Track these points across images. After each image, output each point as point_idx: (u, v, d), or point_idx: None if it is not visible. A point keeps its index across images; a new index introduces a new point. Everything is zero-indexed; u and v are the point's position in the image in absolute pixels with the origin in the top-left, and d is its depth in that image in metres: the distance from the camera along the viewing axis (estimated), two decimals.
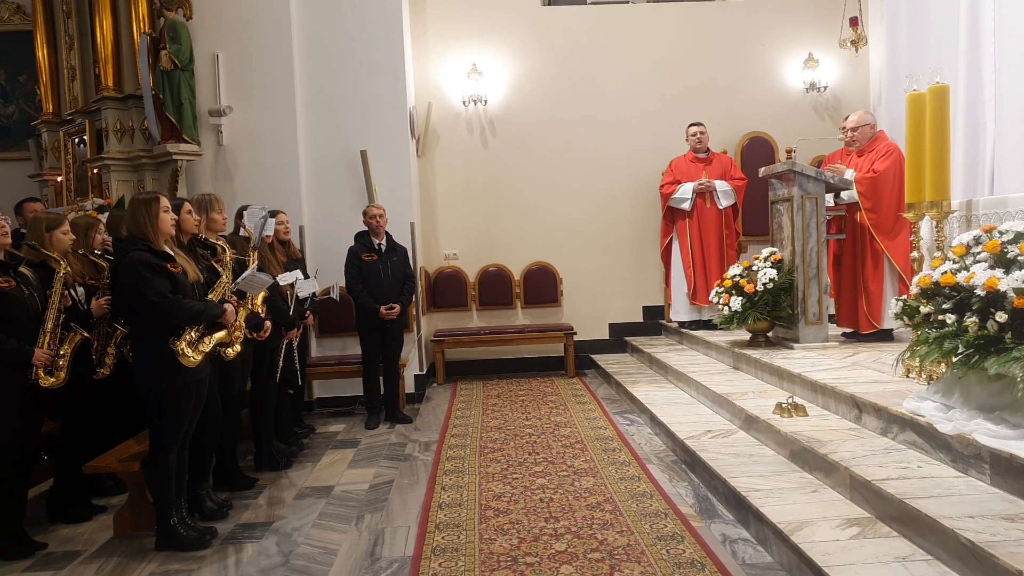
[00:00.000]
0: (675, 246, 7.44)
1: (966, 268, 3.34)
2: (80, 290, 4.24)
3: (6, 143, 8.92)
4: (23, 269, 3.82)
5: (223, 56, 6.81)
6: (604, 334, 8.37)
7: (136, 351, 3.69)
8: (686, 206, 7.24)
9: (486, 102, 8.07)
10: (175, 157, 6.57)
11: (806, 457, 3.80)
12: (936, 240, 4.46)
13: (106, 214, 5.76)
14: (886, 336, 5.75)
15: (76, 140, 7.63)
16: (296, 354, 5.50)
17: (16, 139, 8.86)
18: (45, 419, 4.11)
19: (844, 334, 6.00)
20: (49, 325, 3.75)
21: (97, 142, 7.14)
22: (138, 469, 3.81)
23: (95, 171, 7.13)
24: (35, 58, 8.04)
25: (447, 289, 8.10)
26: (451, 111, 8.13)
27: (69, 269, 4.08)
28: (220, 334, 3.78)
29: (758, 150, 8.06)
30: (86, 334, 3.95)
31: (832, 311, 6.03)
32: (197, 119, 6.72)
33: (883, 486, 3.13)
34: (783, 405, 4.35)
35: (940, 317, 3.36)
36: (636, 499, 4.03)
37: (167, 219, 3.72)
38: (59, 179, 7.88)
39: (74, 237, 4.28)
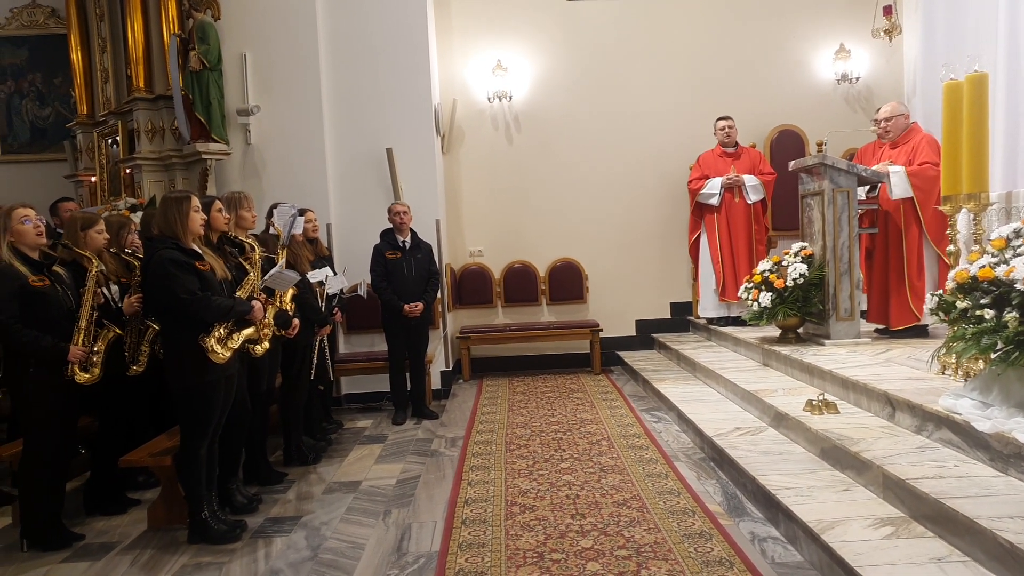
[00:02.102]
0: (703, 241, 7.36)
1: (1005, 262, 3.25)
2: (113, 288, 4.31)
3: (43, 144, 9.10)
4: (57, 268, 3.89)
5: (251, 56, 6.88)
6: (631, 331, 8.32)
7: (166, 348, 3.74)
8: (714, 201, 7.16)
9: (511, 98, 8.06)
10: (204, 156, 6.65)
11: (837, 455, 3.73)
12: (974, 233, 4.35)
13: (138, 213, 5.86)
14: (921, 332, 5.63)
15: (109, 141, 7.77)
16: (327, 350, 5.55)
17: (52, 141, 9.03)
18: (81, 415, 4.19)
19: (877, 330, 5.89)
20: (83, 323, 3.80)
21: (129, 142, 7.26)
22: (170, 463, 3.87)
23: (127, 171, 7.25)
24: (70, 61, 8.18)
25: (472, 286, 8.11)
26: (476, 107, 8.13)
27: (103, 267, 4.16)
28: (248, 331, 3.81)
29: (788, 143, 7.94)
30: (119, 331, 4.01)
31: (864, 307, 5.92)
32: (225, 118, 6.79)
33: (918, 485, 3.07)
34: (814, 402, 4.29)
35: (978, 312, 3.28)
36: (663, 496, 3.99)
37: (197, 218, 3.76)
38: (93, 179, 8.02)
39: (108, 236, 4.36)
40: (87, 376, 3.76)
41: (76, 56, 8.08)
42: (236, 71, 6.87)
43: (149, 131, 7.00)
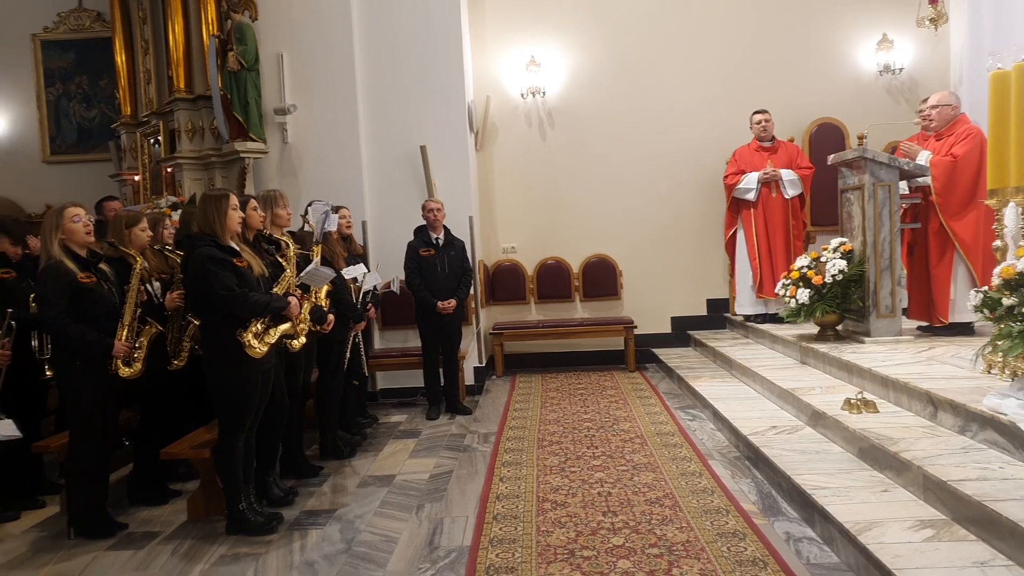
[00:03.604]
0: (740, 237, 7.25)
1: None
2: (156, 284, 4.42)
3: (89, 145, 9.35)
4: (102, 265, 4.00)
5: (287, 56, 6.98)
6: (666, 328, 8.25)
7: (205, 343, 3.82)
8: (751, 196, 7.05)
9: (544, 94, 8.05)
10: (243, 155, 6.77)
11: (876, 455, 3.66)
12: (1022, 228, 4.23)
13: (179, 211, 5.99)
14: (965, 330, 5.48)
15: (151, 141, 7.95)
16: (361, 345, 5.61)
17: (98, 141, 9.28)
18: (124, 408, 4.31)
19: (919, 328, 5.75)
20: (127, 319, 3.90)
21: (170, 142, 7.42)
22: (209, 456, 3.95)
23: (169, 170, 7.41)
24: (114, 63, 8.39)
25: (505, 282, 8.12)
26: (509, 104, 8.13)
27: (146, 264, 4.26)
28: (285, 326, 3.87)
29: (827, 137, 7.79)
30: (160, 328, 4.10)
31: (906, 304, 5.80)
32: (263, 118, 6.90)
33: (960, 487, 2.99)
34: (852, 401, 4.21)
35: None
36: (697, 495, 3.96)
37: (235, 216, 3.83)
38: (136, 178, 8.22)
39: (151, 234, 4.47)
40: (130, 371, 3.86)
41: (120, 58, 8.29)
42: (273, 71, 6.97)
43: (189, 131, 7.15)
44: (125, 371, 3.84)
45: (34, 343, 4.21)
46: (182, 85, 7.16)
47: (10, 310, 3.99)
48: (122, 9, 8.28)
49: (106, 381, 3.80)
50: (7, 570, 3.52)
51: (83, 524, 3.84)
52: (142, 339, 3.95)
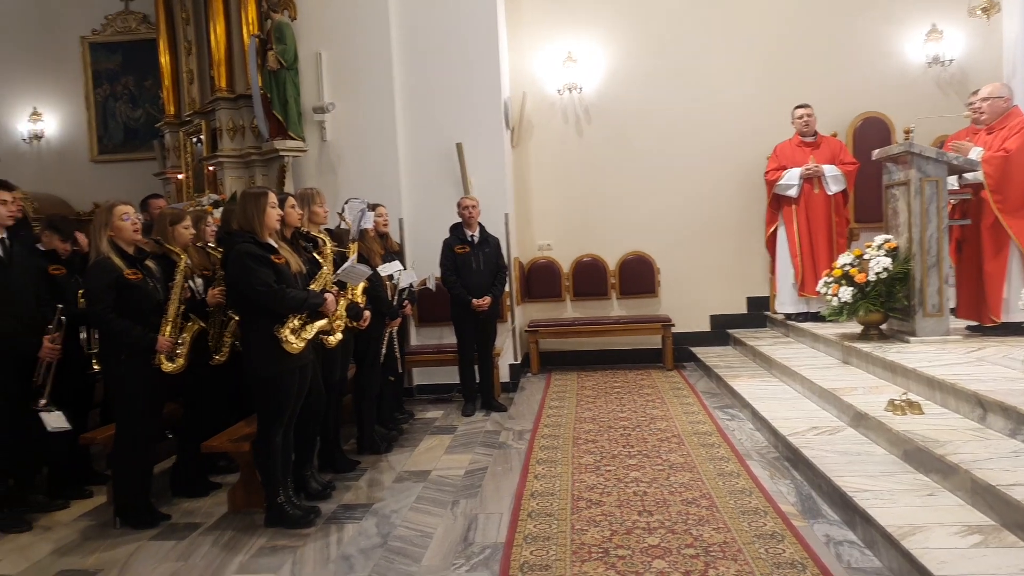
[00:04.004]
0: (781, 234, 7.11)
1: None
2: (199, 281, 4.51)
3: (134, 144, 9.59)
4: (148, 262, 4.09)
5: (326, 54, 7.05)
6: (705, 326, 8.14)
7: (244, 338, 3.88)
8: (792, 192, 6.91)
9: (581, 90, 8.00)
10: (282, 153, 6.86)
11: (921, 458, 3.56)
12: None
13: (220, 209, 6.09)
14: (1018, 330, 5.30)
15: (194, 139, 8.11)
16: (396, 342, 5.64)
17: (143, 140, 9.50)
18: (168, 402, 4.40)
19: (969, 327, 5.58)
20: (171, 315, 3.98)
21: (212, 141, 7.56)
22: (248, 449, 4.01)
23: (211, 168, 7.55)
24: (158, 64, 8.58)
25: (541, 279, 8.10)
26: (546, 100, 8.11)
27: (189, 261, 4.35)
28: (321, 322, 3.92)
29: (873, 131, 7.60)
30: (202, 324, 4.18)
31: (954, 303, 5.64)
32: (302, 116, 6.99)
33: (1010, 492, 2.90)
34: (896, 402, 4.10)
35: None
36: (734, 496, 3.90)
37: (273, 214, 3.88)
38: (180, 176, 8.39)
39: (194, 231, 4.56)
40: (172, 365, 3.94)
41: (164, 59, 8.47)
42: (312, 69, 7.05)
43: (230, 129, 7.28)
44: (168, 366, 3.92)
45: (83, 337, 4.33)
46: (223, 84, 7.29)
47: (60, 305, 4.10)
48: (166, 11, 8.46)
49: (150, 375, 3.88)
50: (58, 556, 3.63)
51: (128, 514, 3.94)
52: (185, 335, 4.03)
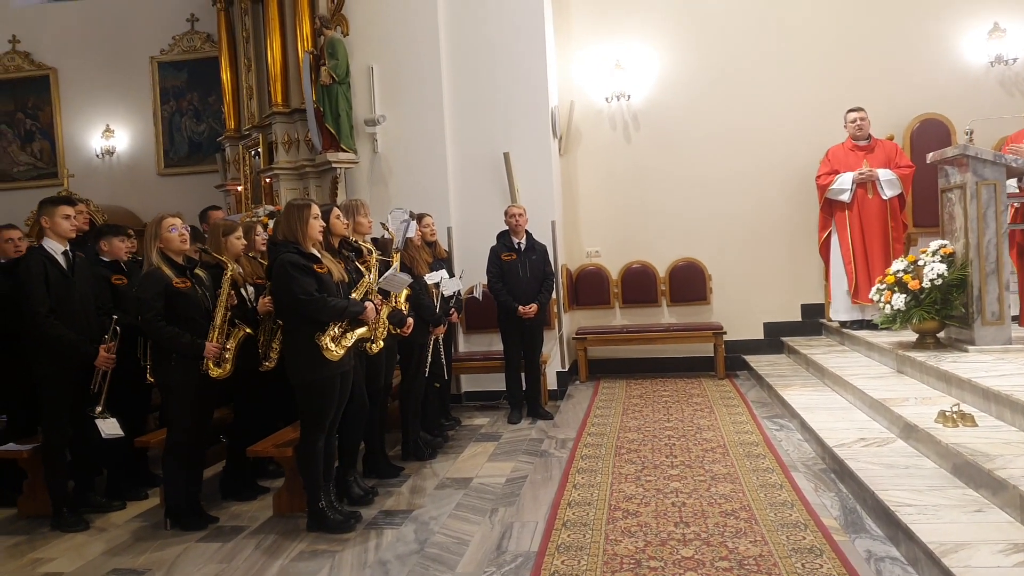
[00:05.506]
0: (834, 240, 6.93)
1: None
2: (250, 289, 4.67)
3: (198, 158, 9.98)
4: (198, 271, 4.27)
5: (377, 68, 7.21)
6: (758, 334, 7.98)
7: (287, 345, 4.01)
8: (845, 197, 6.73)
9: (629, 97, 7.97)
10: (334, 165, 7.05)
11: (970, 472, 3.43)
12: None
13: (274, 219, 6.29)
14: None
15: (252, 152, 8.39)
16: (442, 349, 5.71)
17: (206, 154, 9.88)
18: (219, 407, 4.57)
19: None
20: (218, 321, 4.14)
21: (269, 154, 7.80)
22: (292, 454, 4.13)
23: (267, 180, 7.80)
24: (220, 81, 8.93)
25: (589, 287, 8.08)
26: (593, 108, 8.10)
27: (241, 270, 4.51)
28: (361, 330, 4.01)
29: (931, 134, 7.33)
30: (249, 330, 4.33)
31: (1017, 311, 5.39)
32: (354, 129, 7.17)
33: None
34: (947, 413, 3.95)
35: None
36: (775, 508, 3.82)
37: (316, 224, 3.99)
38: (239, 188, 8.69)
39: (246, 242, 4.73)
40: (220, 371, 4.09)
41: (226, 76, 8.80)
42: (364, 83, 7.22)
43: (286, 143, 7.51)
44: (215, 371, 4.07)
45: (139, 346, 4.53)
46: (279, 99, 7.53)
47: (115, 316, 4.31)
48: (228, 29, 8.79)
49: (199, 380, 4.04)
50: (110, 556, 3.81)
51: (178, 516, 4.10)
52: (231, 341, 4.18)
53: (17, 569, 3.71)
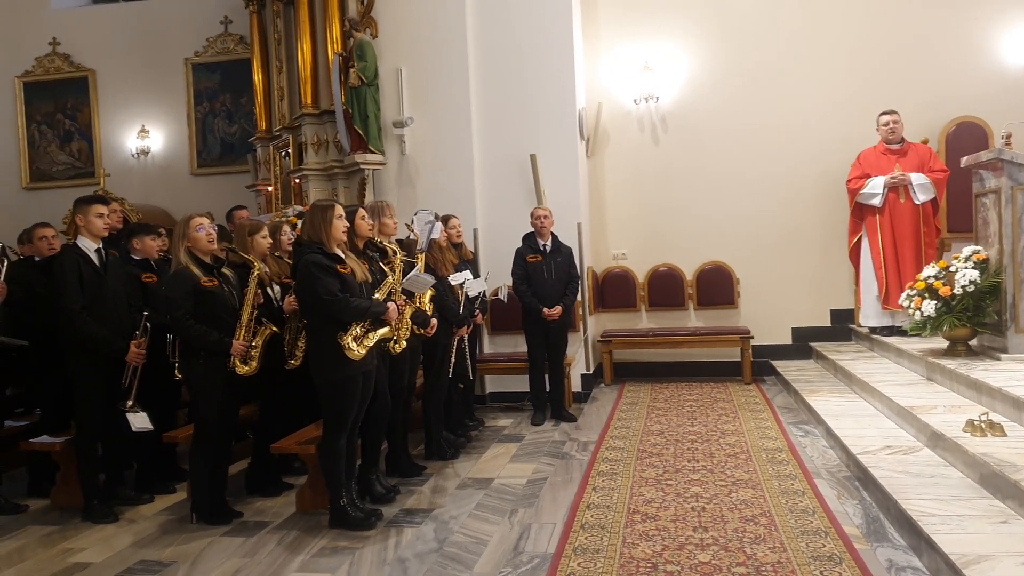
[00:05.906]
0: (864, 245, 6.82)
1: None
2: (276, 288, 4.75)
3: (230, 158, 10.15)
4: (225, 270, 4.35)
5: (405, 70, 7.27)
6: (787, 339, 7.88)
7: (310, 344, 4.06)
8: (876, 201, 6.61)
9: (657, 99, 7.92)
10: (362, 166, 7.12)
11: (996, 482, 3.36)
12: None
13: (302, 220, 6.38)
14: None
15: (283, 153, 8.51)
16: (467, 350, 5.74)
17: (238, 154, 10.04)
18: (245, 404, 4.65)
19: None
20: (244, 319, 4.22)
21: (298, 154, 7.91)
22: (314, 452, 4.19)
23: (296, 181, 7.91)
24: (252, 82, 9.08)
25: (615, 289, 8.05)
26: (621, 110, 8.07)
27: (267, 269, 4.59)
28: (383, 330, 4.05)
29: (967, 137, 7.17)
30: (275, 328, 4.40)
31: None
32: (382, 130, 7.23)
33: None
34: (975, 422, 3.88)
35: None
36: (796, 515, 3.78)
37: (340, 225, 4.05)
38: (270, 189, 8.83)
39: (271, 241, 4.81)
40: (246, 368, 4.17)
41: (257, 77, 8.95)
42: (392, 85, 7.29)
43: (315, 144, 7.61)
44: (242, 368, 4.15)
45: (169, 342, 4.62)
46: (309, 101, 7.63)
47: (145, 313, 4.41)
48: (260, 32, 8.94)
49: (225, 377, 4.12)
50: (137, 548, 3.90)
51: (203, 510, 4.18)
52: (257, 339, 4.26)
53: (48, 558, 3.82)
